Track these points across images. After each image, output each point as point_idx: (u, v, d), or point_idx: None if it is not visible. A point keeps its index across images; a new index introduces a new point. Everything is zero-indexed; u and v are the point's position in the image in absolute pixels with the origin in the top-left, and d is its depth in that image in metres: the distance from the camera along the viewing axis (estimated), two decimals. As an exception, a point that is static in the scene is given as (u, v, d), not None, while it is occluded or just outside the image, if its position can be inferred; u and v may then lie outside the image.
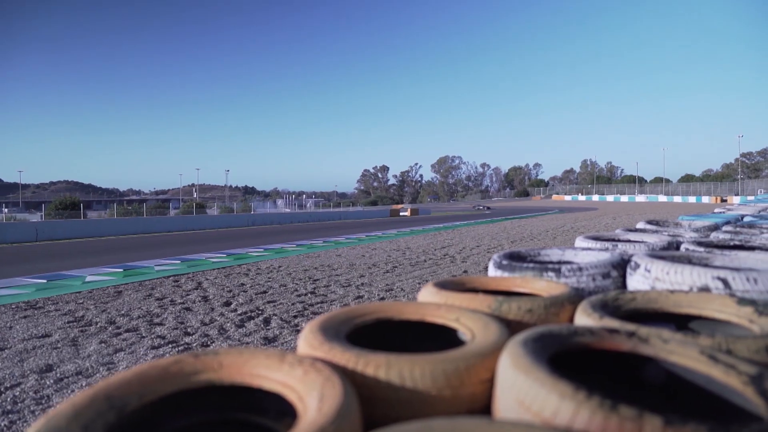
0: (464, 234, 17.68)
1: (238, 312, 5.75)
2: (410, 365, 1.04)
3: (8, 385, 3.55)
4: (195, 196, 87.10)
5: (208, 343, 4.59)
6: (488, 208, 60.04)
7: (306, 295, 6.71)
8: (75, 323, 5.33)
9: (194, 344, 4.55)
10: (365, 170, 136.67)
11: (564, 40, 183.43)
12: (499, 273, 2.10)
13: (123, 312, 5.83)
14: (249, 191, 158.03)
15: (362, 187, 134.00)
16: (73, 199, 40.07)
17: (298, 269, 9.19)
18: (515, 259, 2.18)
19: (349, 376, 1.03)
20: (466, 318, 1.38)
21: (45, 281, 8.21)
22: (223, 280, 8.04)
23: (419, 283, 7.42)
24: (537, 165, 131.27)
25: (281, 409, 1.06)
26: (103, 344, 4.56)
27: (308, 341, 1.24)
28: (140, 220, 27.75)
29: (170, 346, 4.51)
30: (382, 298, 6.35)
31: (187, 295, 6.84)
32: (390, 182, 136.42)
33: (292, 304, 6.16)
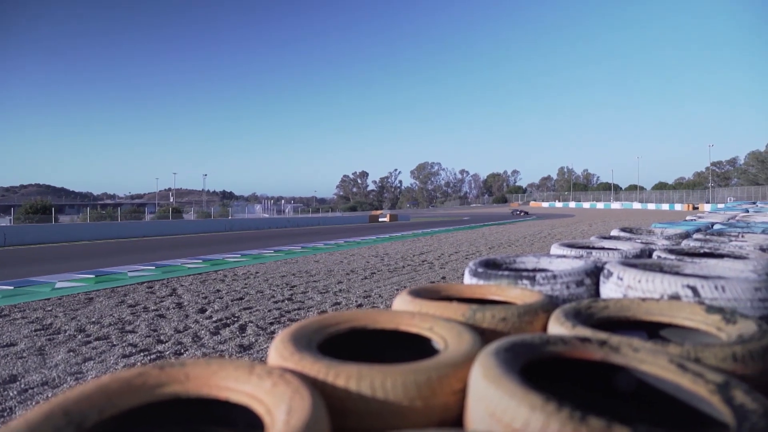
0: (443, 240, 17.76)
1: (213, 319, 5.65)
2: (382, 376, 1.03)
3: (-31, 397, 3.42)
4: (171, 200, 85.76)
5: (182, 351, 4.50)
6: (526, 213, 58.23)
7: (283, 301, 6.64)
8: (42, 331, 5.17)
9: (167, 352, 4.46)
10: (345, 176, 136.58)
11: (542, 50, 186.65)
12: (474, 281, 2.10)
13: (93, 319, 5.68)
14: (227, 196, 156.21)
15: (341, 193, 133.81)
16: (45, 203, 39.07)
17: (275, 275, 9.09)
18: (490, 267, 2.19)
19: (319, 388, 1.01)
20: (440, 327, 1.37)
21: (12, 288, 7.94)
22: (199, 287, 7.90)
23: (397, 290, 7.40)
24: (515, 172, 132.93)
25: (249, 422, 1.04)
26: (71, 353, 4.43)
27: (279, 351, 1.22)
28: (114, 225, 27.19)
29: (142, 354, 4.41)
30: (360, 305, 6.32)
31: (161, 301, 6.70)
32: (369, 188, 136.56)
33: (269, 310, 6.08)
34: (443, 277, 8.65)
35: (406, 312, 1.56)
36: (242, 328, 5.26)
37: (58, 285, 8.22)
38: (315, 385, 1.03)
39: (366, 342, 1.50)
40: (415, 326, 1.48)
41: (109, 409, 0.98)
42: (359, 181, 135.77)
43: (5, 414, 3.15)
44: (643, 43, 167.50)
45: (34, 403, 3.29)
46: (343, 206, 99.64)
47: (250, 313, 5.96)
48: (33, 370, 3.98)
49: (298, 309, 6.16)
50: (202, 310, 6.11)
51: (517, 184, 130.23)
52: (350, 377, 1.06)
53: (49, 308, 6.33)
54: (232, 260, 11.96)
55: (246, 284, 8.09)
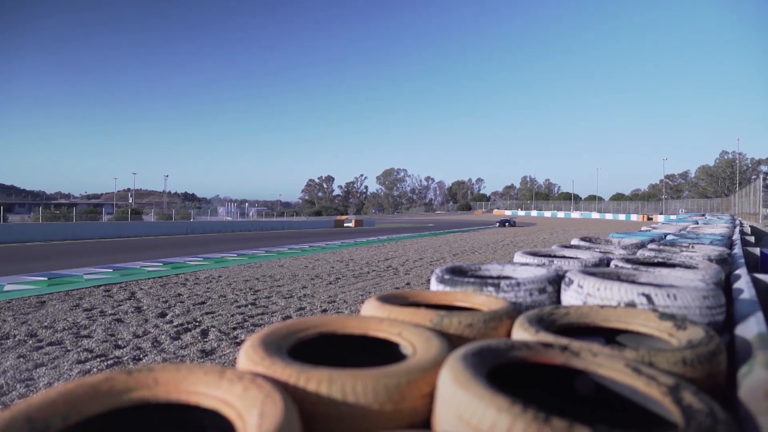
0: (408, 246, 17.87)
1: (174, 323, 5.52)
2: (352, 380, 1.05)
3: None
4: (131, 201, 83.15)
5: (141, 356, 4.38)
6: (513, 223, 45.55)
7: (246, 306, 6.54)
8: (-10, 336, 4.94)
9: (125, 358, 4.33)
10: (310, 180, 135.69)
11: (507, 62, 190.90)
12: (441, 287, 2.14)
13: (46, 324, 5.46)
14: (189, 198, 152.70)
15: (307, 197, 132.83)
16: (-7, 202, 37.21)
17: (238, 279, 8.95)
18: (456, 274, 2.24)
19: (290, 392, 1.02)
20: (408, 332, 1.40)
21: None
22: (159, 290, 7.70)
23: (362, 295, 7.41)
24: (479, 180, 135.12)
25: (220, 427, 1.04)
26: (21, 359, 4.25)
27: (249, 356, 1.22)
28: (69, 226, 26.13)
29: (98, 359, 4.27)
30: (325, 310, 6.29)
31: (119, 305, 6.50)
32: (335, 193, 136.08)
33: (232, 315, 5.98)
34: (408, 283, 8.70)
35: (374, 317, 1.58)
36: (204, 333, 5.16)
37: (8, 288, 7.85)
38: (286, 390, 1.04)
39: (335, 347, 1.51)
40: (384, 331, 1.50)
41: (75, 415, 0.97)
42: (325, 186, 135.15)
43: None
44: (604, 60, 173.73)
45: (-19, 412, 3.15)
46: (309, 210, 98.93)
47: (212, 317, 5.85)
48: (-20, 376, 3.80)
49: (262, 314, 6.09)
50: (163, 315, 5.96)
51: (481, 192, 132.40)
52: (321, 381, 1.08)
53: (-2, 312, 6.05)
54: (193, 264, 11.69)
55: (208, 288, 7.93)
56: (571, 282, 1.83)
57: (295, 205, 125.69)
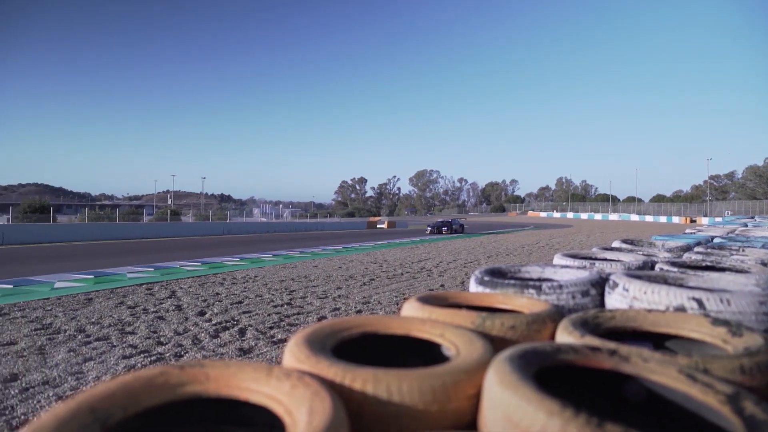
0: (441, 248, 17.78)
1: (213, 322, 5.66)
2: (397, 380, 1.05)
3: (-30, 395, 3.42)
4: (170, 202, 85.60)
5: (182, 353, 4.50)
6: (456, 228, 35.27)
7: (282, 306, 6.65)
8: (42, 331, 5.17)
9: (167, 354, 4.46)
10: (343, 181, 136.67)
11: (543, 59, 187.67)
12: (480, 289, 2.12)
13: (93, 320, 5.69)
14: (225, 199, 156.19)
15: (340, 199, 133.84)
16: (43, 203, 39.02)
17: (274, 280, 9.10)
18: (496, 276, 2.22)
19: (336, 390, 1.03)
20: (451, 333, 1.40)
21: (11, 287, 7.94)
22: (198, 289, 7.90)
23: (396, 297, 7.42)
24: (513, 181, 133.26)
25: (268, 423, 1.06)
26: (72, 353, 4.43)
27: (294, 354, 1.24)
28: (113, 226, 27.12)
29: (142, 355, 4.41)
30: (359, 311, 6.33)
31: (161, 303, 6.71)
32: (368, 194, 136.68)
33: (268, 315, 6.09)
34: (442, 285, 8.66)
35: (416, 318, 1.59)
36: (242, 332, 5.26)
37: (58, 285, 8.22)
38: (332, 388, 1.05)
39: (377, 347, 1.52)
40: (426, 332, 1.50)
41: (133, 407, 1.00)
42: (357, 187, 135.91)
43: (7, 412, 3.15)
44: (645, 55, 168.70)
45: (35, 402, 3.30)
46: (341, 212, 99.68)
47: (249, 316, 5.97)
48: (33, 369, 3.99)
49: (298, 314, 6.17)
50: (202, 313, 6.12)
51: (515, 193, 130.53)
52: (367, 381, 1.08)
53: (49, 308, 6.32)
54: (230, 264, 11.96)
55: (245, 288, 8.09)
56: (615, 285, 1.79)
57: (328, 206, 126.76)
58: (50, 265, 11.47)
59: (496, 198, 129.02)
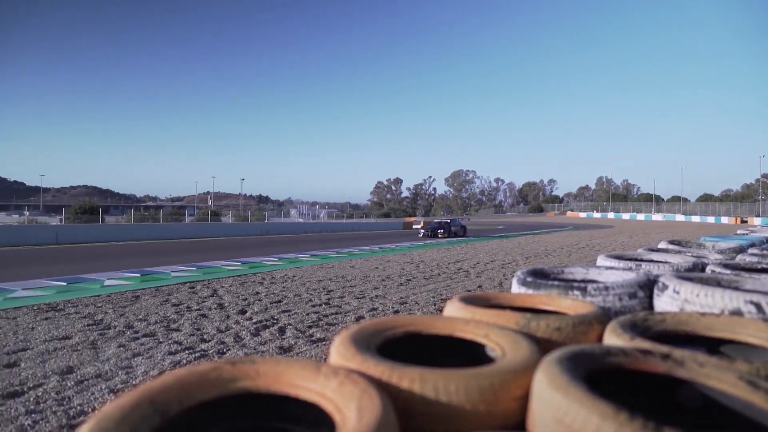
0: (478, 249, 17.61)
1: (254, 320, 5.78)
2: (444, 380, 1.05)
3: (31, 385, 3.60)
4: (210, 203, 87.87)
5: (224, 350, 4.62)
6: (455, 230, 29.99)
7: (320, 305, 6.73)
8: (94, 326, 5.41)
9: (210, 351, 4.58)
10: (379, 182, 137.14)
11: (581, 56, 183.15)
12: (523, 290, 2.10)
13: (140, 317, 5.90)
14: (263, 200, 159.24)
15: (375, 199, 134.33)
16: (92, 204, 40.72)
17: (312, 279, 9.22)
18: (539, 276, 2.18)
19: (383, 389, 1.04)
20: (495, 334, 1.39)
21: (65, 284, 8.34)
22: (238, 288, 8.09)
23: (433, 297, 7.40)
24: (552, 181, 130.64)
25: (316, 419, 1.08)
26: (121, 348, 4.61)
27: (341, 352, 1.26)
28: (156, 227, 28.07)
29: (187, 352, 4.55)
30: (397, 311, 6.34)
31: (203, 301, 6.90)
32: (403, 195, 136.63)
33: (307, 314, 6.17)
34: (479, 286, 8.58)
35: (460, 319, 1.58)
36: (282, 331, 5.36)
37: (107, 283, 8.57)
38: (379, 387, 1.06)
39: (421, 347, 1.52)
40: (470, 333, 1.50)
41: (188, 400, 1.04)
42: (393, 188, 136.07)
43: (64, 402, 3.30)
44: (690, 49, 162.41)
45: (89, 394, 3.45)
46: (377, 212, 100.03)
47: (288, 315, 6.07)
48: (87, 362, 4.17)
49: (336, 313, 6.24)
50: (243, 312, 6.26)
51: (553, 193, 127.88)
52: (413, 380, 1.09)
53: (100, 304, 6.60)
54: (269, 263, 12.19)
55: (284, 287, 8.23)
56: (665, 287, 1.74)
57: (364, 207, 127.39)
58: (99, 264, 11.97)
59: (534, 198, 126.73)
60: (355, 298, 7.25)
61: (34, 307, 6.37)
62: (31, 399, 3.37)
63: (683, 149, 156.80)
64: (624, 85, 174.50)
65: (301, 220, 57.77)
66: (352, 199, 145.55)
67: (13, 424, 3.00)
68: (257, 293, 7.64)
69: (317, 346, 4.80)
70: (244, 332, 5.26)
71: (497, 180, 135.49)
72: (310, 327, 5.53)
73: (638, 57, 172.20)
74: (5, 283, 8.42)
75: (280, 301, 6.98)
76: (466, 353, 1.49)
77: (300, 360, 1.26)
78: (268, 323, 5.66)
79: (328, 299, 7.18)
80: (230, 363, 1.13)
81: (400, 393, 1.07)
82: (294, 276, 9.70)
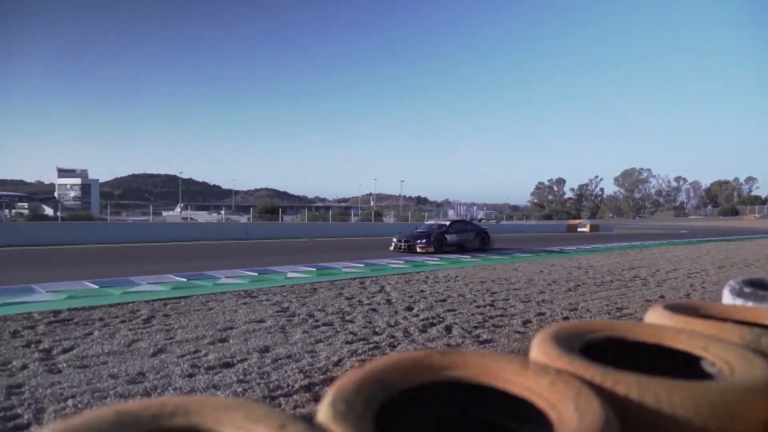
0: (656, 255, 15.86)
1: (420, 317, 5.97)
2: (667, 390, 0.99)
3: (238, 359, 4.21)
4: (372, 204, 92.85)
5: (395, 344, 4.85)
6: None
7: (485, 307, 6.69)
8: (282, 313, 6.09)
9: (383, 344, 4.85)
10: (539, 182, 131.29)
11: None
12: (738, 301, 1.86)
13: (319, 307, 6.48)
14: (422, 201, 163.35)
15: (536, 200, 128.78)
16: (273, 205, 45.93)
17: (474, 280, 9.21)
18: (760, 287, 1.91)
19: (594, 391, 1.01)
20: (717, 348, 1.26)
21: (257, 274, 9.57)
22: (404, 286, 8.43)
23: (607, 305, 6.86)
24: (750, 179, 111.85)
25: (524, 413, 1.09)
26: (305, 334, 5.12)
27: (545, 352, 1.25)
28: (326, 225, 30.59)
29: (361, 342, 4.87)
30: (566, 317, 6.03)
31: (373, 296, 7.33)
32: (566, 196, 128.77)
33: (472, 314, 6.19)
34: (661, 296, 7.72)
35: (669, 327, 1.47)
36: (448, 329, 5.45)
37: (289, 275, 9.61)
38: (590, 389, 1.03)
39: (623, 353, 1.44)
40: (683, 343, 1.38)
41: (405, 383, 1.13)
42: (555, 189, 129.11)
43: (264, 376, 3.79)
44: None
45: (282, 372, 3.90)
46: (538, 214, 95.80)
47: (454, 315, 6.15)
48: (279, 344, 4.72)
49: (501, 315, 6.15)
50: (409, 308, 6.50)
51: (752, 193, 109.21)
52: (630, 386, 1.05)
53: (285, 294, 7.42)
54: (431, 263, 12.48)
55: (447, 287, 8.36)
56: None
57: (524, 208, 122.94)
58: (281, 258, 13.46)
59: (726, 199, 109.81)
60: (520, 302, 7.06)
61: (235, 293, 7.41)
62: (240, 370, 3.93)
63: None
64: None
65: (458, 221, 57.80)
66: (511, 200, 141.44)
67: (229, 389, 3.54)
68: (422, 291, 7.87)
69: (485, 347, 4.78)
70: (412, 328, 5.47)
71: (678, 179, 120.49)
72: (475, 327, 5.54)
73: None
74: (212, 272, 9.94)
75: (444, 300, 7.10)
76: (677, 365, 1.38)
77: (505, 354, 1.28)
78: (434, 321, 5.81)
79: (492, 301, 7.10)
80: (440, 353, 1.19)
81: (614, 398, 1.03)
82: (456, 276, 9.79)
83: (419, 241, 15.60)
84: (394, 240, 16.51)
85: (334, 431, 0.85)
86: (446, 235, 16.19)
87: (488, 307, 6.63)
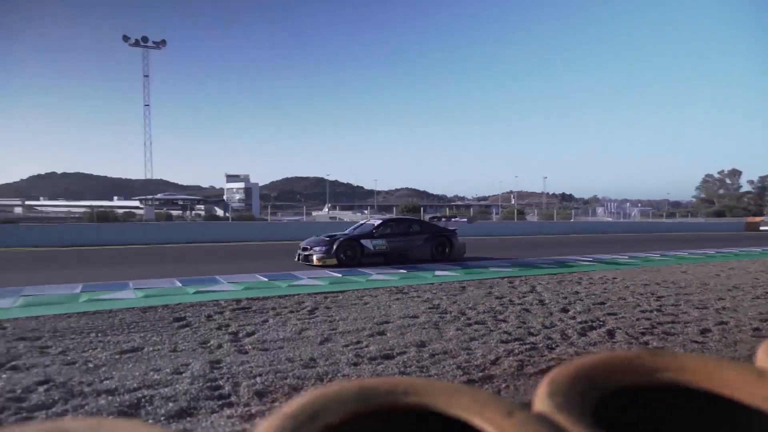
0: None
1: (578, 320, 5.67)
2: None
3: (398, 352, 4.40)
4: (513, 202, 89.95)
5: (553, 345, 4.67)
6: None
7: (651, 312, 6.13)
8: (434, 310, 6.21)
9: (540, 345, 4.70)
10: (707, 175, 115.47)
11: None
12: None
13: (470, 305, 6.49)
14: (566, 198, 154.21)
15: (702, 195, 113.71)
16: (414, 204, 46.87)
17: (636, 283, 8.47)
18: None
19: None
20: None
21: (405, 272, 9.88)
22: (556, 286, 8.06)
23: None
24: None
25: (760, 427, 1.00)
26: (459, 331, 5.17)
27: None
28: (467, 225, 30.25)
29: (517, 342, 4.78)
30: (757, 329, 5.26)
31: (524, 296, 7.13)
32: (743, 189, 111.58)
33: (637, 319, 5.71)
34: None
35: None
36: (610, 333, 5.11)
37: (437, 273, 9.77)
38: None
39: None
40: None
41: (613, 383, 1.09)
42: (728, 181, 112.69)
43: (423, 370, 3.92)
44: None
45: (440, 367, 3.99)
46: (706, 211, 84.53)
47: (615, 319, 5.74)
48: (434, 340, 4.84)
49: (672, 322, 5.58)
50: (565, 310, 6.21)
51: None
52: None
53: (434, 291, 7.56)
54: (583, 263, 11.78)
55: (605, 289, 7.81)
56: None
57: (687, 204, 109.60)
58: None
59: None
60: (694, 308, 6.33)
61: (387, 290, 7.74)
62: (400, 362, 4.11)
63: None
64: None
65: (609, 219, 53.56)
66: (672, 195, 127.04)
67: (393, 381, 3.72)
68: (577, 293, 7.46)
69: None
70: (569, 330, 5.22)
71: None
72: (643, 334, 5.10)
73: None
74: (365, 268, 10.50)
75: (603, 303, 6.65)
76: None
77: (736, 362, 1.19)
78: (594, 324, 5.48)
79: (660, 306, 6.47)
80: (652, 353, 1.14)
81: None
82: (614, 278, 9.09)
83: (318, 249, 11.22)
84: (298, 251, 11.98)
85: (558, 422, 0.86)
86: (363, 241, 11.53)
87: (655, 313, 6.05)
